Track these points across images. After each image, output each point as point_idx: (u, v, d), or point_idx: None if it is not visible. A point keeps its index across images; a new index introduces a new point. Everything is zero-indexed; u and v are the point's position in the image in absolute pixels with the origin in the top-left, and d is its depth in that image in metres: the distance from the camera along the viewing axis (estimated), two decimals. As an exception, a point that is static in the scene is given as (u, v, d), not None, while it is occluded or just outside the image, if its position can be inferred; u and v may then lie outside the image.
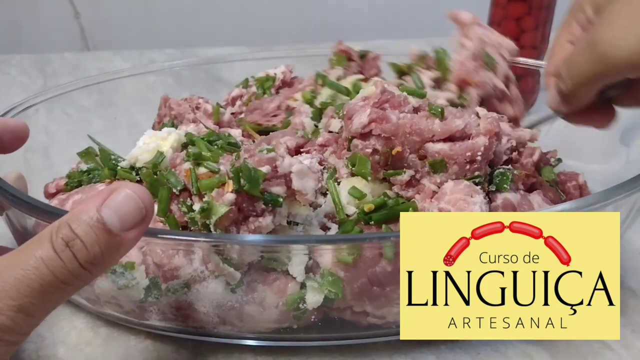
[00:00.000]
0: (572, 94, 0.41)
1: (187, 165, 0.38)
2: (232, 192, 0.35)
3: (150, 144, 0.44)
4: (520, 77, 0.74)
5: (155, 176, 0.39)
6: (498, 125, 0.42)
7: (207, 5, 1.17)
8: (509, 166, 0.45)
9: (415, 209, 0.40)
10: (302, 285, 0.37)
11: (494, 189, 0.42)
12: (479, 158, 0.40)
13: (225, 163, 0.38)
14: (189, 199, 0.37)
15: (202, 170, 0.37)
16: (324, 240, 0.38)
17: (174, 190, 0.38)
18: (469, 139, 0.41)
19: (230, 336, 0.39)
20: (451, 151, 0.41)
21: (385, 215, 0.39)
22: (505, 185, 0.42)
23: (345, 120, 0.43)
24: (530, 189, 0.45)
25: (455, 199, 0.39)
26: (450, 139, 0.41)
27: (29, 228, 0.39)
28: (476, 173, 0.41)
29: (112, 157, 0.46)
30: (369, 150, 0.42)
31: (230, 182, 0.36)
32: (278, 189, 0.36)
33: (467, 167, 0.41)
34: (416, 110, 0.43)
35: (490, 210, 0.40)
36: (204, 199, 0.36)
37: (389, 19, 1.19)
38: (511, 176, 0.43)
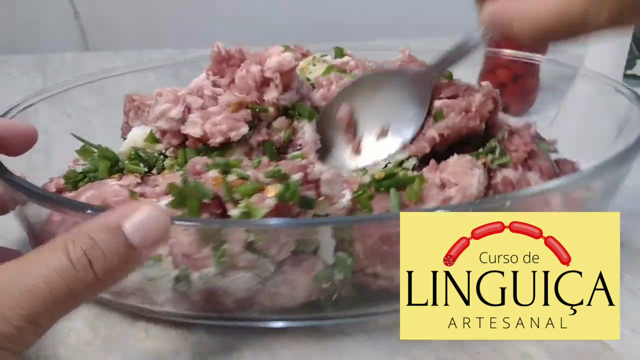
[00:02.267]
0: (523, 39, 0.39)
1: (213, 173, 0.39)
2: (274, 196, 0.37)
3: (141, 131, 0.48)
4: (520, 77, 0.74)
5: (184, 185, 0.39)
6: (496, 92, 0.48)
7: (207, 5, 1.17)
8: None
9: (422, 180, 0.42)
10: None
11: (495, 167, 0.45)
12: (473, 109, 0.47)
13: (248, 167, 0.39)
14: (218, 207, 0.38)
15: (231, 177, 0.38)
16: (348, 221, 0.39)
17: (205, 200, 0.38)
18: (465, 97, 0.48)
19: (252, 319, 0.40)
20: (452, 103, 0.47)
21: (394, 182, 0.42)
22: (504, 162, 0.45)
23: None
24: (528, 167, 0.48)
25: (456, 171, 0.42)
26: (453, 97, 0.48)
27: (39, 225, 0.40)
28: (480, 150, 0.46)
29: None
30: None
31: (270, 187, 0.37)
32: (309, 193, 0.38)
33: (463, 114, 0.47)
34: None
35: (491, 186, 0.43)
36: (238, 205, 0.37)
37: (389, 18, 1.20)
38: (511, 158, 0.46)
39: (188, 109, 0.47)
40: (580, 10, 0.31)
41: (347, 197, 0.42)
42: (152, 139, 0.48)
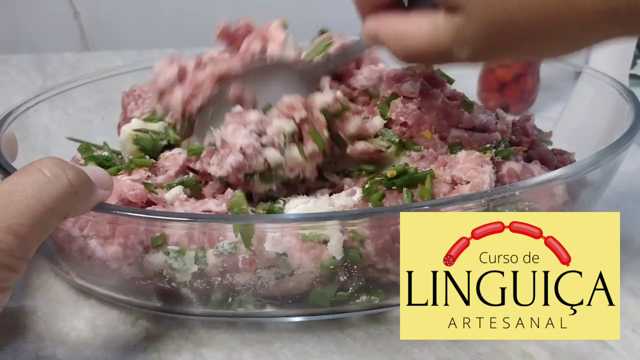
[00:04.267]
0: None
1: None
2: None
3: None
4: (520, 77, 0.74)
5: None
6: (511, 128, 0.49)
7: (207, 5, 1.17)
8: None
9: (433, 176, 0.42)
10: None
11: (499, 159, 0.45)
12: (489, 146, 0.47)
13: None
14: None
15: None
16: (356, 215, 0.40)
17: None
18: (485, 132, 0.47)
19: (263, 315, 0.41)
20: (470, 138, 0.47)
21: (407, 181, 0.42)
22: (509, 153, 0.46)
23: (389, 79, 0.49)
24: (529, 159, 0.49)
25: (467, 167, 0.42)
26: (471, 128, 0.47)
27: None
28: (487, 145, 0.46)
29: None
30: (402, 119, 0.46)
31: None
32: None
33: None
34: (450, 97, 0.49)
35: (498, 178, 0.43)
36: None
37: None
38: (514, 150, 0.47)
39: (184, 71, 0.49)
40: (447, 44, 0.34)
41: (358, 194, 0.42)
42: (151, 117, 0.51)
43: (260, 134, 0.45)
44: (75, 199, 0.33)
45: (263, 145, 0.45)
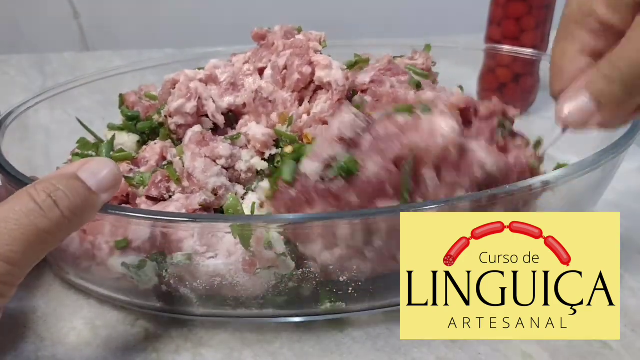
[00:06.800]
0: (624, 95, 0.34)
1: None
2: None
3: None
4: (520, 76, 0.74)
5: None
6: (464, 101, 0.42)
7: (207, 5, 1.17)
8: None
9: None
10: None
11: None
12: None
13: None
14: None
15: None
16: (356, 215, 0.38)
17: None
18: None
19: (266, 315, 0.41)
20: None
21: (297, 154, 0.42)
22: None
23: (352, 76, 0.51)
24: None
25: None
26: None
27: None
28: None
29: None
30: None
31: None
32: None
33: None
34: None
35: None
36: None
37: (388, 17, 1.19)
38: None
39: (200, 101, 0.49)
40: None
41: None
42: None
43: (228, 168, 0.45)
44: (69, 228, 0.33)
45: (230, 181, 0.45)
